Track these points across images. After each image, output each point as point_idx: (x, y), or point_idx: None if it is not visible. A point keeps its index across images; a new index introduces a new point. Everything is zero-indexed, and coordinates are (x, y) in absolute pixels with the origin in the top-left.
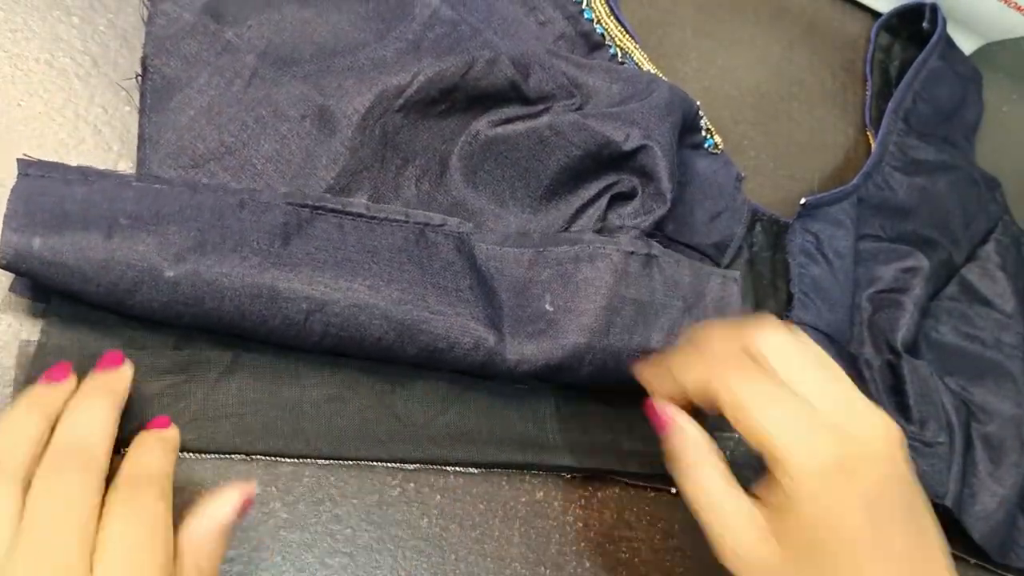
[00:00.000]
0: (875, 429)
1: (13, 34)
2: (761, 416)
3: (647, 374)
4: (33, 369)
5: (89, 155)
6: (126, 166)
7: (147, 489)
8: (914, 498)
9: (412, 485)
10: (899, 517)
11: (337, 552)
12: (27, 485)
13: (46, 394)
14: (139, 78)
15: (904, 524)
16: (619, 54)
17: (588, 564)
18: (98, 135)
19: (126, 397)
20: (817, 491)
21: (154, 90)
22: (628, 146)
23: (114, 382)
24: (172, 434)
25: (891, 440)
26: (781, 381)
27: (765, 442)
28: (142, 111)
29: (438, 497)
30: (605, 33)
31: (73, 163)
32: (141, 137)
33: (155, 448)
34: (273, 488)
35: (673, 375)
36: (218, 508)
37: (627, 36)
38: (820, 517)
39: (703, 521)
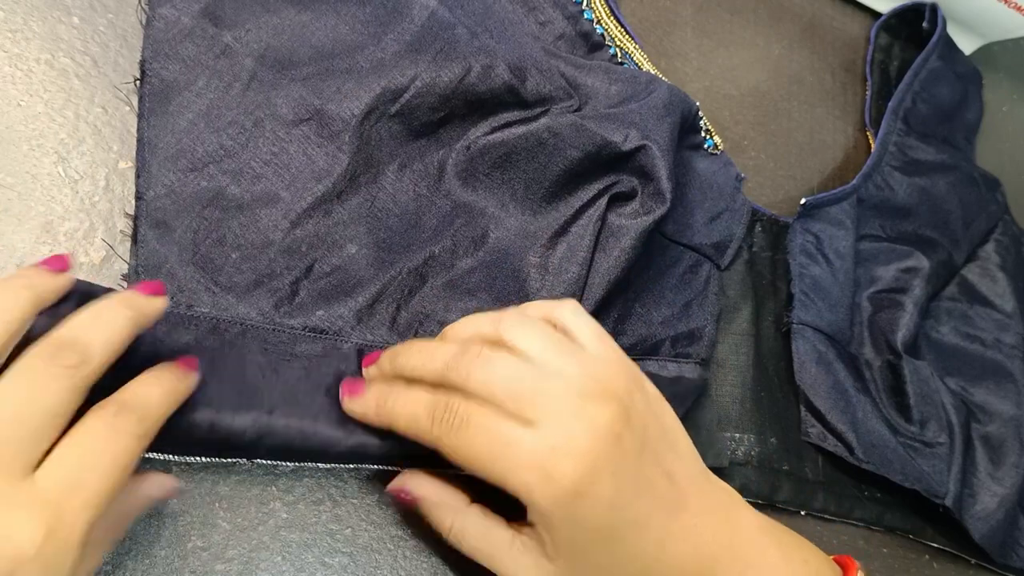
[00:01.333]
0: (615, 384)
1: (13, 34)
2: (490, 466)
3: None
4: None
5: (89, 155)
6: (126, 166)
7: (131, 418)
8: (655, 443)
9: None
10: (646, 478)
11: (337, 552)
12: None
13: (39, 275)
14: (137, 82)
15: (651, 482)
16: (619, 54)
17: None
18: (98, 135)
19: (148, 324)
20: (565, 516)
21: (152, 94)
22: (627, 146)
23: (144, 304)
24: (188, 382)
25: (618, 388)
26: (497, 417)
27: (506, 486)
28: (141, 115)
29: None
30: (605, 33)
31: (73, 163)
32: (140, 140)
33: (165, 385)
34: (273, 488)
35: (396, 367)
36: (151, 486)
37: (627, 36)
38: (576, 533)
39: (489, 567)
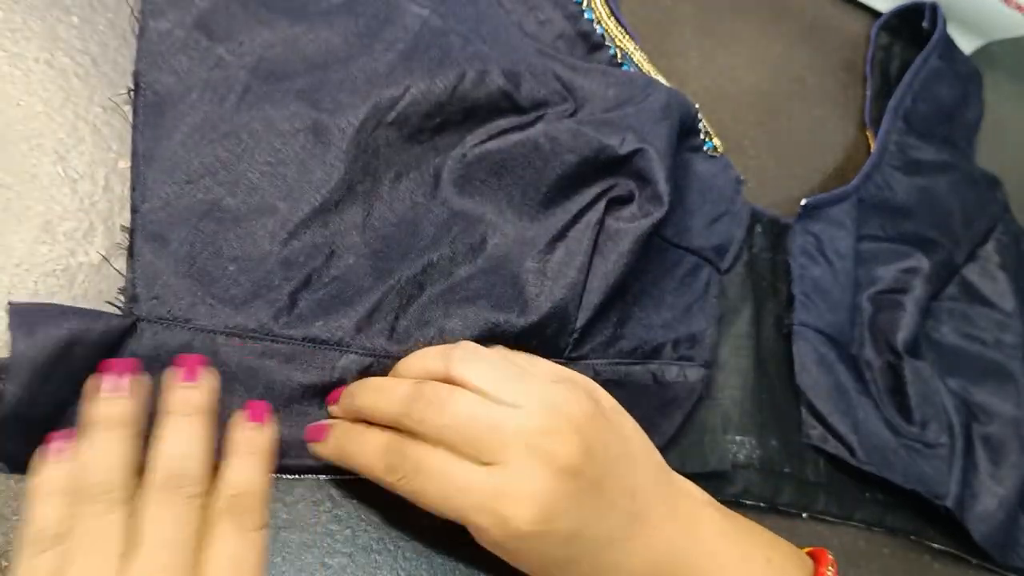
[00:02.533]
0: (562, 439)
1: (13, 34)
2: (442, 504)
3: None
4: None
5: (88, 154)
6: (125, 165)
7: (253, 515)
8: (616, 463)
9: None
10: (612, 501)
11: (337, 552)
12: (129, 506)
13: (123, 406)
14: (131, 93)
15: (611, 505)
16: (618, 55)
17: None
18: (97, 135)
19: (215, 415)
20: (520, 548)
21: (147, 106)
22: (624, 150)
23: (201, 398)
24: (266, 438)
25: (576, 415)
26: (453, 444)
27: (458, 519)
28: (135, 127)
29: None
30: (605, 33)
31: (72, 162)
32: (135, 153)
33: (252, 462)
34: (273, 488)
35: (354, 403)
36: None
37: (627, 37)
38: (532, 559)
39: (448, 515)
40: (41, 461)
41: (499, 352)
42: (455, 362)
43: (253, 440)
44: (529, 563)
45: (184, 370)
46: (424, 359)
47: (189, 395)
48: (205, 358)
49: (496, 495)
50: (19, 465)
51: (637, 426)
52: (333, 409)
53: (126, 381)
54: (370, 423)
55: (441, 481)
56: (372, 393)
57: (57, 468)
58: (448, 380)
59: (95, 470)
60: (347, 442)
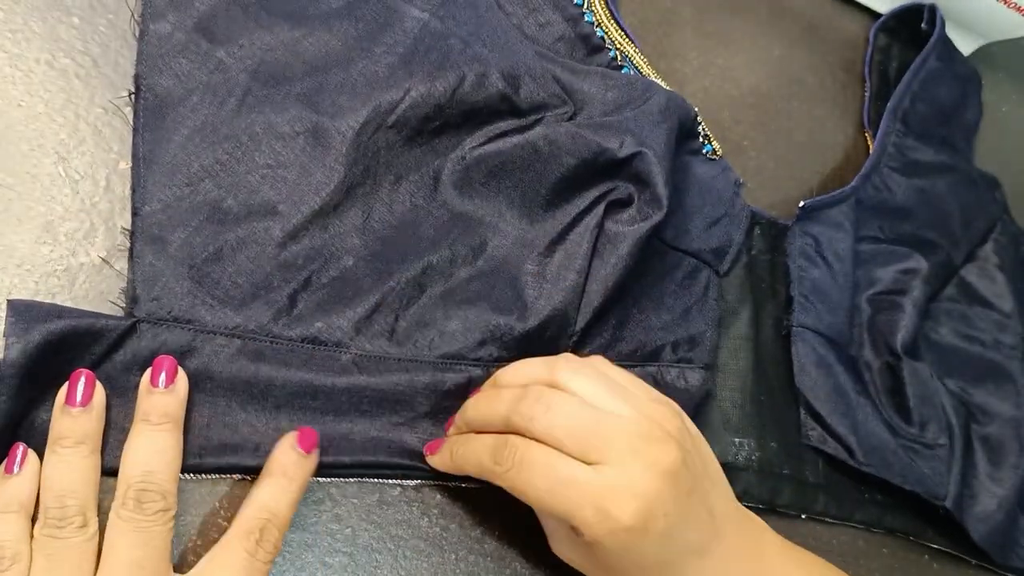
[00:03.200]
0: (663, 445)
1: (13, 34)
2: (550, 501)
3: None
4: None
5: (89, 155)
6: (126, 166)
7: (268, 550)
8: (705, 479)
9: (412, 485)
10: (691, 515)
11: (337, 552)
12: (95, 525)
13: (82, 422)
14: (132, 96)
15: (697, 519)
16: (618, 57)
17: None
18: (98, 135)
19: (183, 420)
20: (618, 545)
21: (147, 109)
22: (623, 153)
23: (171, 405)
24: (306, 468)
25: (672, 428)
26: (559, 442)
27: (560, 517)
28: (135, 129)
29: (438, 497)
30: (605, 36)
31: (73, 163)
32: (135, 156)
33: (294, 493)
34: None
35: (466, 421)
36: None
37: (627, 39)
38: (625, 558)
39: (552, 508)
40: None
41: (602, 365)
42: (560, 370)
43: (297, 465)
44: (622, 563)
45: (159, 373)
46: (528, 367)
47: (163, 402)
48: (173, 361)
49: (601, 491)
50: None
51: (712, 453)
52: (450, 432)
53: (88, 395)
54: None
55: (547, 474)
56: (482, 403)
57: (12, 483)
58: (553, 386)
59: (53, 493)
60: (459, 446)
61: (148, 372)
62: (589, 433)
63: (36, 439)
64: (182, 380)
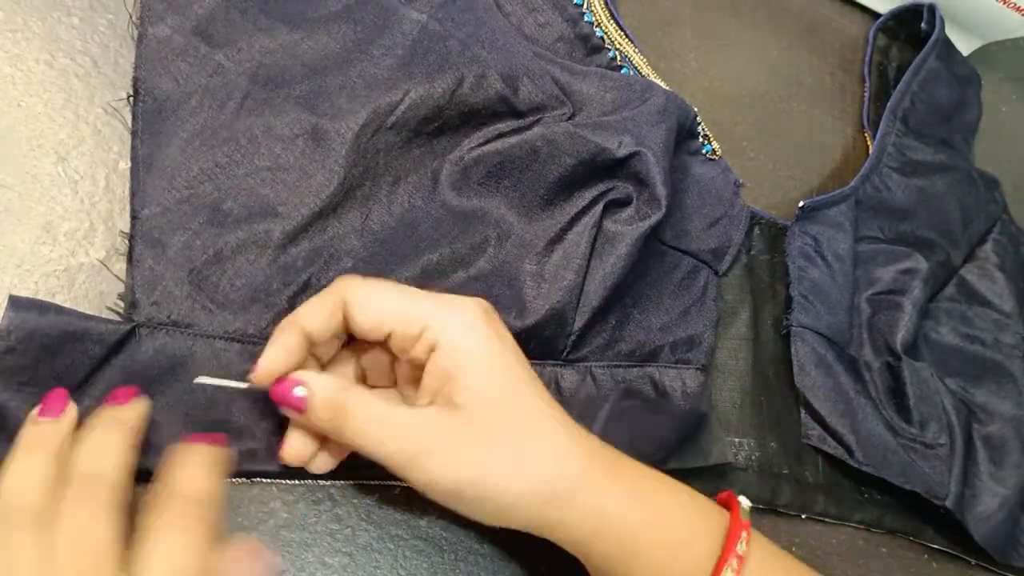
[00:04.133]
0: (471, 299)
1: (13, 34)
2: (397, 298)
3: (268, 350)
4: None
5: (89, 155)
6: (126, 166)
7: (190, 511)
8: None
9: None
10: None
11: (337, 552)
12: (51, 526)
13: (49, 431)
14: (130, 99)
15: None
16: (618, 57)
17: None
18: (98, 135)
19: (140, 430)
20: (479, 340)
21: (146, 112)
22: (621, 153)
23: (125, 415)
24: (218, 452)
25: (488, 308)
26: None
27: (413, 316)
28: (134, 133)
29: None
30: (605, 36)
31: (73, 163)
32: (134, 159)
33: (199, 465)
34: (273, 488)
35: (294, 319)
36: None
37: (626, 40)
38: (489, 360)
39: (390, 450)
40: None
41: None
42: None
43: (37, 434)
44: (483, 361)
45: (116, 394)
46: None
47: (114, 411)
48: (136, 390)
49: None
50: None
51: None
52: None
53: (56, 407)
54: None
55: (407, 291)
56: None
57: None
58: None
59: (12, 492)
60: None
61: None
62: None
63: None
64: (142, 402)
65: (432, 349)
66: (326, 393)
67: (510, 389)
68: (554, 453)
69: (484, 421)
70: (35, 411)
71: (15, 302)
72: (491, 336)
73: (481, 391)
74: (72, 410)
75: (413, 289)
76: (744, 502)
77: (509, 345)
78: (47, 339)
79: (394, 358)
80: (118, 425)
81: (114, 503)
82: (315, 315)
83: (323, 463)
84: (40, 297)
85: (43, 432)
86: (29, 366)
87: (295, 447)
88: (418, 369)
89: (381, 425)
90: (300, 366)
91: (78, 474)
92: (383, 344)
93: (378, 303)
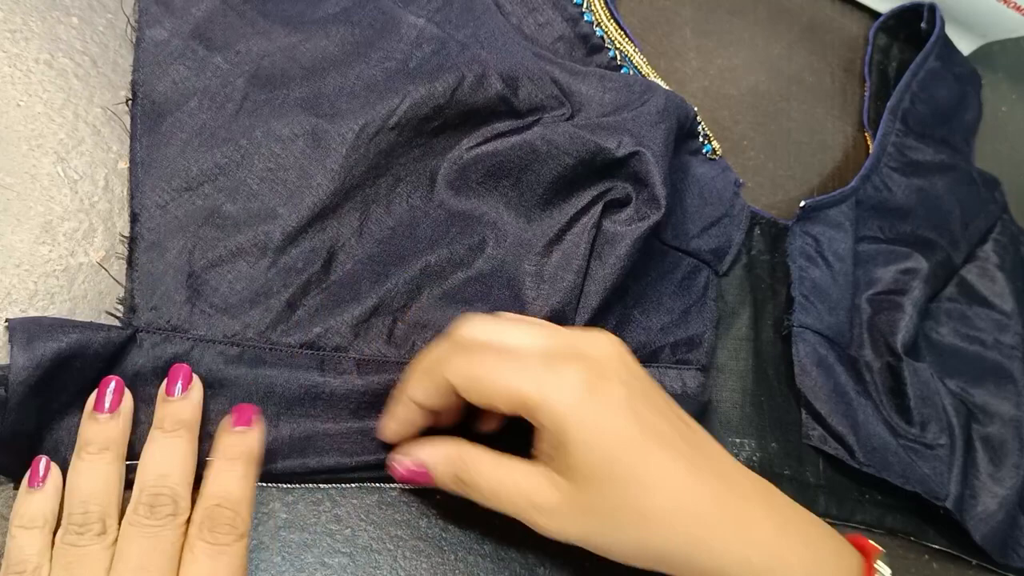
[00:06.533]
0: (599, 342)
1: (12, 34)
2: (498, 377)
3: (390, 423)
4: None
5: (88, 155)
6: (125, 166)
7: (227, 530)
8: (658, 391)
9: (412, 486)
10: (656, 408)
11: (337, 552)
12: (114, 532)
13: (108, 429)
14: (129, 102)
15: (663, 412)
16: (618, 57)
17: (587, 565)
18: (97, 135)
19: (199, 426)
20: (581, 416)
21: (144, 114)
22: (620, 152)
23: (188, 411)
24: (252, 441)
25: (618, 346)
26: (500, 345)
27: (515, 397)
28: (133, 135)
29: (438, 497)
30: (605, 36)
31: (73, 163)
32: (133, 161)
33: (235, 467)
34: (272, 488)
35: (407, 396)
36: None
37: (626, 39)
38: (593, 435)
39: (505, 506)
40: (21, 491)
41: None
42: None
43: (237, 445)
44: (601, 435)
45: (175, 382)
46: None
47: (177, 409)
48: (188, 369)
49: (544, 362)
50: (20, 474)
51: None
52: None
53: (116, 402)
54: None
55: (513, 357)
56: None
57: (35, 498)
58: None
59: (77, 499)
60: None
61: (165, 381)
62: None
63: (47, 454)
64: (197, 388)
65: (541, 424)
66: (447, 467)
67: (620, 459)
68: (671, 518)
69: (591, 494)
70: (90, 403)
71: (15, 326)
72: (596, 406)
73: (589, 465)
74: (129, 403)
75: (518, 354)
76: (883, 570)
77: (621, 401)
78: (52, 359)
79: None
80: (182, 429)
81: (176, 518)
82: (424, 396)
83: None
84: (39, 297)
85: (105, 430)
86: (37, 386)
87: (394, 429)
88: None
89: (497, 484)
90: (422, 429)
91: (150, 485)
92: None
93: (480, 385)
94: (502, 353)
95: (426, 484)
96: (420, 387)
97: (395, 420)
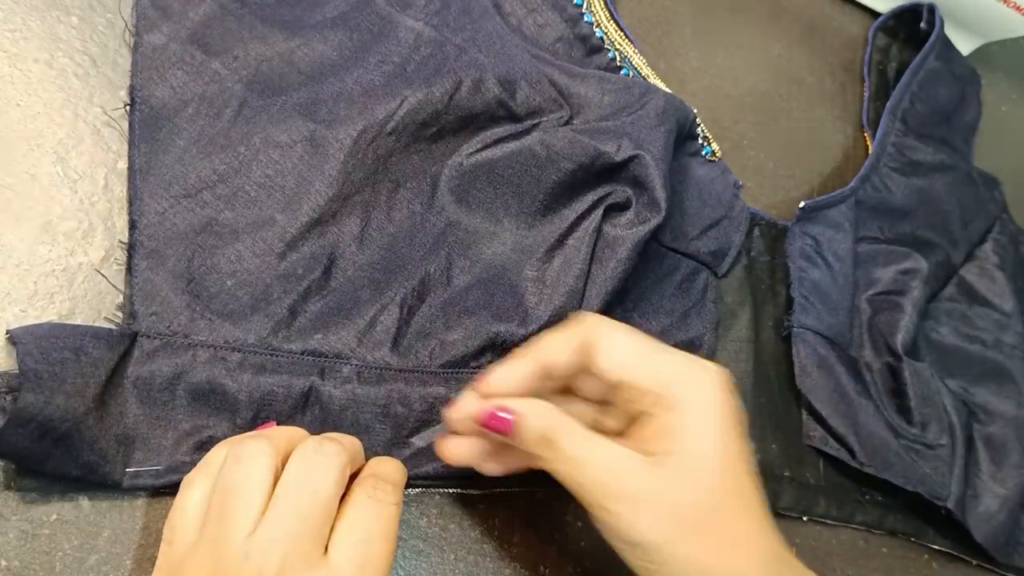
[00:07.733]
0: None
1: (12, 34)
2: (651, 350)
3: (496, 370)
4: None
5: (88, 155)
6: (124, 166)
7: (387, 488)
8: None
9: (413, 493)
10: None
11: None
12: (285, 458)
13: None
14: (127, 108)
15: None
16: (617, 58)
17: (588, 564)
18: (97, 135)
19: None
20: (706, 410)
21: (142, 121)
22: (620, 156)
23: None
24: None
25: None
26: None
27: (661, 373)
28: (131, 142)
29: (437, 498)
30: (604, 37)
31: (72, 163)
32: (131, 168)
33: (394, 464)
34: None
35: (540, 345)
36: None
37: (626, 40)
38: (716, 444)
39: (585, 479)
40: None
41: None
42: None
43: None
44: (715, 438)
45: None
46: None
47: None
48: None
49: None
50: (29, 466)
51: None
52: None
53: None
54: None
55: (658, 346)
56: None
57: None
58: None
59: (259, 437)
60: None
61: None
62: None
63: (55, 461)
64: None
65: (668, 407)
66: (538, 420)
67: (730, 474)
68: (747, 555)
69: (694, 493)
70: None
71: (17, 335)
72: (731, 412)
73: (702, 460)
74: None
75: (656, 343)
76: None
77: (741, 428)
78: (53, 369)
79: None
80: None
81: (345, 461)
82: (558, 351)
83: (491, 468)
84: (39, 297)
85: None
86: (46, 384)
87: (461, 450)
88: (626, 411)
89: (588, 454)
90: (526, 395)
91: (319, 438)
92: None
93: (621, 355)
94: (642, 337)
95: (502, 433)
96: (555, 341)
97: (504, 368)
